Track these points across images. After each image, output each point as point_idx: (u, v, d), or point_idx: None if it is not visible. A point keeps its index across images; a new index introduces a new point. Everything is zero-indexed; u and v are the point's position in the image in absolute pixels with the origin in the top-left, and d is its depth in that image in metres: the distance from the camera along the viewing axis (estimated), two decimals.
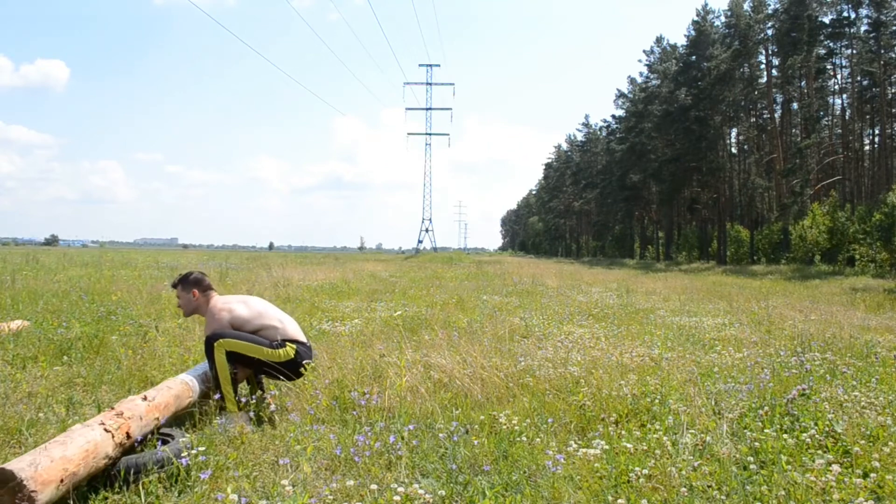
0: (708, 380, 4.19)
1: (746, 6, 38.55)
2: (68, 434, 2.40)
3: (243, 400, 3.53)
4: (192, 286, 3.74)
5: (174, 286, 3.81)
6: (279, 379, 3.65)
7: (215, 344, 3.47)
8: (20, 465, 2.09)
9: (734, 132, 44.64)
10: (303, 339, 3.77)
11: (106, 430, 2.51)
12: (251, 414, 3.43)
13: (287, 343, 3.65)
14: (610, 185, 57.03)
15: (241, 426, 3.15)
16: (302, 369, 3.66)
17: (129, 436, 2.65)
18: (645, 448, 2.80)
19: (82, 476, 2.33)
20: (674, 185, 43.91)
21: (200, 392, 3.49)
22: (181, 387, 3.32)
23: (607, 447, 2.78)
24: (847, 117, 38.85)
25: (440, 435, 3.00)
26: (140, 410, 2.81)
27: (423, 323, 6.92)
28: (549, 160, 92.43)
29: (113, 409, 2.73)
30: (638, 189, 51.50)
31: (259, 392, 3.61)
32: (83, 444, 2.35)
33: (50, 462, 2.17)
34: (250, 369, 3.64)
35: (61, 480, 2.20)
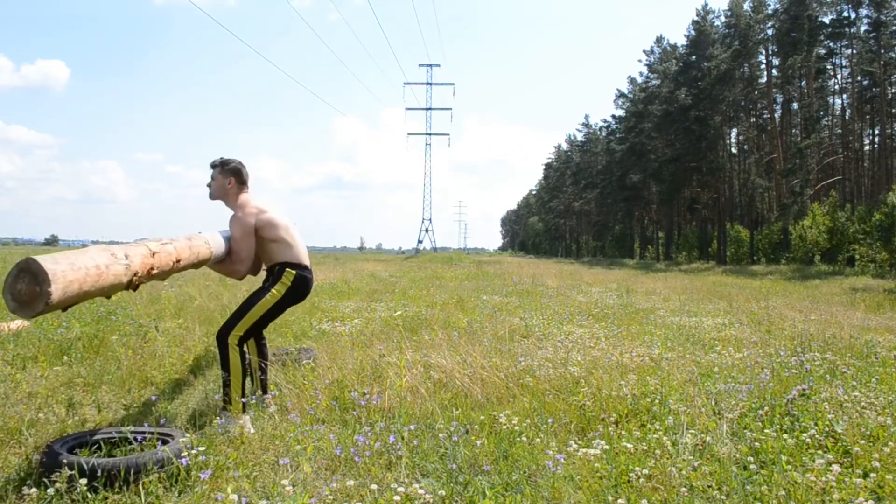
0: (708, 380, 4.19)
1: (746, 6, 38.55)
2: (87, 250, 2.48)
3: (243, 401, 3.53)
4: (231, 174, 3.62)
5: (213, 166, 3.66)
6: (284, 312, 3.62)
7: (229, 341, 3.41)
8: (47, 262, 2.23)
9: (734, 132, 44.66)
10: (307, 263, 3.67)
11: (116, 256, 2.59)
12: (251, 414, 3.42)
13: (286, 269, 3.54)
14: (610, 185, 57.03)
15: (241, 427, 3.15)
16: (303, 293, 3.60)
17: (139, 273, 2.70)
18: (645, 448, 2.81)
19: (92, 290, 2.41)
20: (674, 185, 43.91)
21: (221, 255, 3.45)
22: (200, 242, 3.28)
23: (607, 447, 2.78)
24: (847, 117, 38.85)
25: (440, 435, 3.00)
26: (148, 250, 2.83)
27: (423, 323, 6.93)
28: (549, 160, 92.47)
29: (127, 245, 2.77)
30: (638, 189, 51.49)
31: (260, 392, 3.60)
32: (99, 261, 2.46)
33: (70, 266, 2.30)
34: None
35: (75, 286, 2.31)
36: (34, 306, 2.24)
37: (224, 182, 3.62)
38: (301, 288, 3.59)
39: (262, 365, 3.72)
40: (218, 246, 3.43)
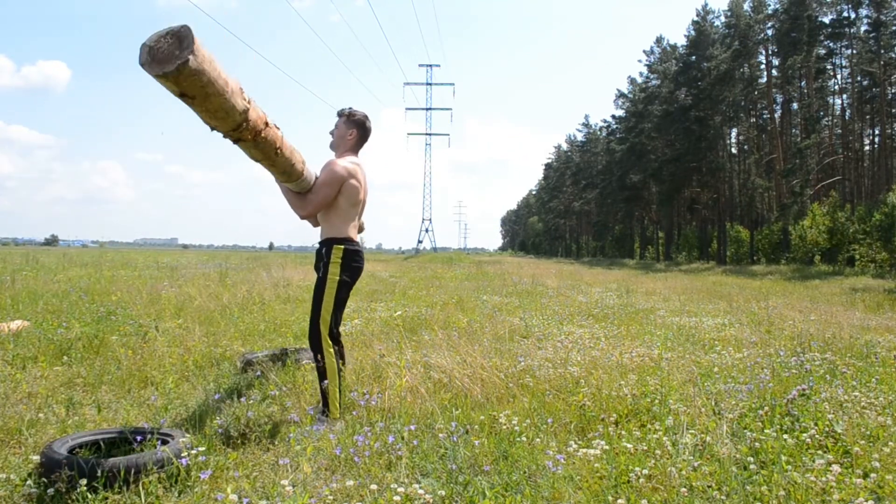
0: (708, 380, 4.19)
1: (746, 6, 38.56)
2: (227, 74, 2.52)
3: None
4: (355, 126, 3.61)
5: (340, 115, 3.64)
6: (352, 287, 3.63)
7: (323, 344, 3.39)
8: (199, 41, 2.27)
9: (734, 132, 44.68)
10: (355, 238, 3.65)
11: (242, 88, 2.63)
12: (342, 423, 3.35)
13: (335, 246, 3.51)
14: (610, 185, 57.04)
15: (326, 432, 3.12)
16: (356, 267, 3.58)
17: (251, 121, 2.72)
18: (645, 448, 2.80)
19: (212, 91, 2.42)
20: (674, 185, 43.92)
21: (307, 186, 3.47)
22: (299, 157, 3.29)
23: (607, 447, 2.78)
24: (847, 117, 38.86)
25: (440, 435, 2.99)
26: (266, 116, 2.87)
27: (423, 323, 6.92)
28: (549, 160, 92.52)
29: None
30: (638, 189, 51.50)
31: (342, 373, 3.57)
32: (227, 78, 2.50)
33: (209, 59, 2.34)
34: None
35: (212, 65, 2.36)
36: (165, 64, 2.24)
37: (346, 132, 3.61)
38: (353, 260, 3.55)
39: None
40: (310, 175, 3.45)
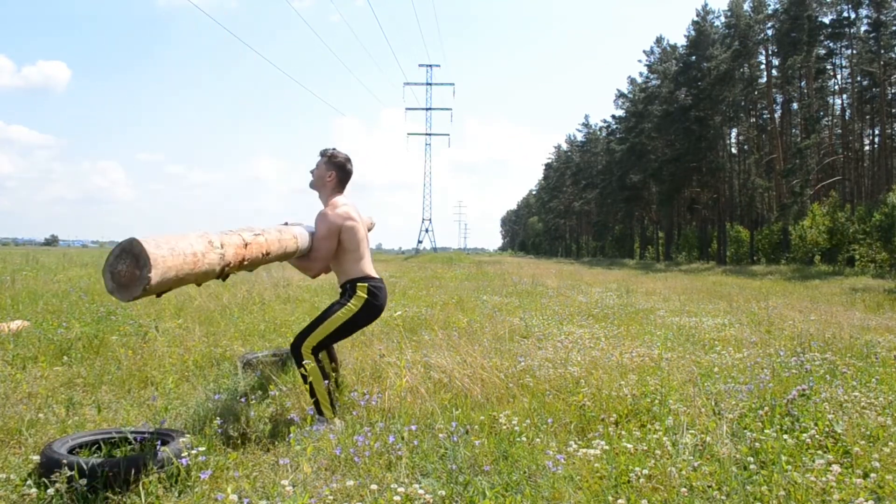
0: (708, 380, 4.19)
1: (746, 6, 38.56)
2: (185, 236, 2.51)
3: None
4: (334, 167, 3.61)
5: (322, 154, 3.65)
6: (361, 329, 3.62)
7: (303, 350, 3.39)
8: (150, 245, 2.26)
9: (734, 132, 44.68)
10: (375, 274, 3.64)
11: (213, 244, 2.62)
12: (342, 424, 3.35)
13: (357, 285, 3.52)
14: (610, 185, 57.04)
15: (326, 432, 3.12)
16: (377, 306, 3.56)
17: (231, 263, 2.73)
18: (645, 448, 2.80)
19: (186, 277, 2.43)
20: (674, 185, 43.92)
21: (306, 250, 3.47)
22: (288, 236, 3.29)
23: (607, 447, 2.78)
24: (847, 117, 38.86)
25: (440, 435, 2.99)
26: (242, 240, 2.87)
27: (423, 323, 6.93)
28: (549, 160, 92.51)
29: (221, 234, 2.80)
30: (638, 189, 51.50)
31: (334, 375, 3.57)
32: (196, 248, 2.49)
33: (170, 252, 2.33)
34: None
35: (174, 256, 2.35)
36: (132, 290, 2.26)
37: (325, 173, 3.61)
38: (376, 300, 3.55)
39: (333, 369, 3.69)
40: (304, 241, 3.45)
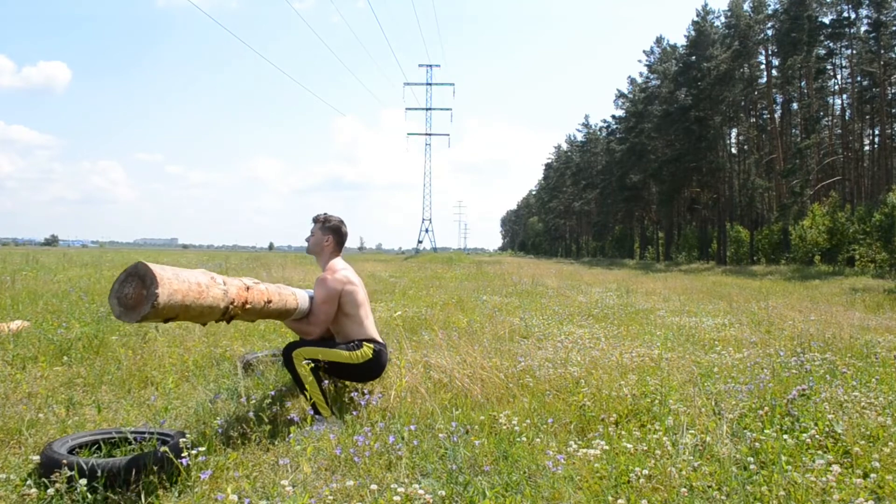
0: (708, 380, 4.19)
1: (746, 6, 38.56)
2: (189, 270, 2.60)
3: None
4: (330, 232, 3.69)
5: (315, 221, 3.73)
6: (353, 381, 3.63)
7: (294, 355, 3.41)
8: (158, 268, 2.34)
9: (734, 132, 44.67)
10: (379, 337, 3.69)
11: (215, 279, 2.71)
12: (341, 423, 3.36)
13: (364, 343, 3.57)
14: (610, 185, 57.06)
15: (326, 432, 3.12)
16: (378, 367, 3.60)
17: (234, 301, 2.81)
18: (645, 448, 2.80)
19: (192, 306, 2.50)
20: (674, 185, 43.92)
21: (305, 311, 3.51)
22: (288, 292, 3.36)
23: (607, 447, 2.78)
24: (847, 117, 38.85)
25: (440, 435, 2.99)
26: (243, 284, 2.96)
27: (423, 323, 6.92)
28: (549, 160, 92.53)
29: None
30: (638, 189, 51.51)
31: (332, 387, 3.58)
32: (200, 280, 2.58)
33: (174, 275, 2.41)
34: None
35: (178, 280, 2.43)
36: (140, 309, 2.32)
37: (322, 239, 3.69)
38: (376, 363, 3.59)
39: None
40: (303, 302, 3.50)
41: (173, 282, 2.38)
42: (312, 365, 3.42)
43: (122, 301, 2.34)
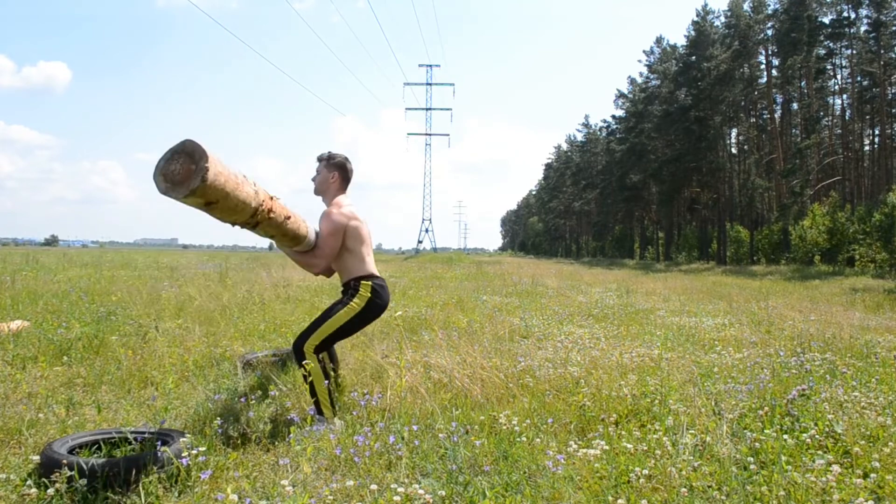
0: (708, 380, 4.19)
1: (746, 6, 38.57)
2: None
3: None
4: (336, 168, 3.64)
5: (319, 160, 3.69)
6: (366, 325, 3.62)
7: (305, 349, 3.40)
8: (203, 145, 2.39)
9: (734, 132, 44.67)
10: (378, 274, 3.66)
11: (247, 178, 2.76)
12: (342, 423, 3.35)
13: (361, 282, 3.53)
14: (610, 185, 57.07)
15: (326, 432, 3.12)
16: (380, 305, 3.57)
17: (263, 204, 2.84)
18: (645, 448, 2.80)
19: (230, 194, 2.54)
20: (674, 185, 43.93)
21: (312, 243, 3.52)
22: (301, 217, 3.37)
23: (607, 447, 2.78)
24: (847, 117, 38.86)
25: (440, 435, 2.99)
26: (268, 194, 2.98)
27: (423, 323, 6.92)
28: (549, 160, 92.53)
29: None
30: (638, 189, 51.51)
31: (334, 374, 3.57)
32: (237, 172, 2.63)
33: (218, 160, 2.45)
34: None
35: (222, 164, 2.47)
36: (188, 183, 2.34)
37: (328, 176, 3.64)
38: (379, 298, 3.57)
39: (332, 369, 3.68)
40: (312, 233, 3.49)
41: (219, 164, 2.42)
42: (321, 363, 3.41)
43: (169, 177, 2.35)
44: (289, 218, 3.14)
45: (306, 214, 3.53)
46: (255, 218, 2.84)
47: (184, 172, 2.34)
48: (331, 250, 3.50)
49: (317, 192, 3.70)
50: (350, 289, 3.56)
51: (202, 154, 2.33)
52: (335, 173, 3.64)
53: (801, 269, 27.44)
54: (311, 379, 3.37)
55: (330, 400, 3.40)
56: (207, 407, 3.61)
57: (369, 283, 3.55)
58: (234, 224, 2.83)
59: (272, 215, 2.95)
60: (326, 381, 3.40)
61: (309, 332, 3.46)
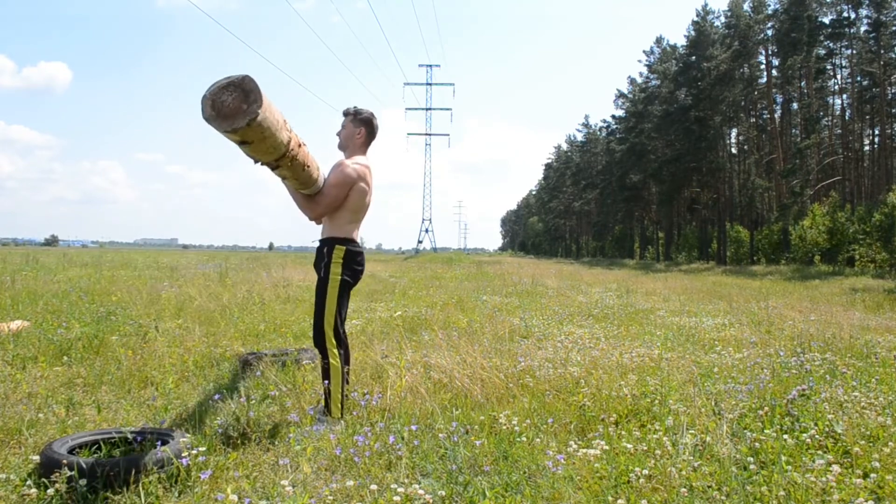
0: (708, 380, 4.19)
1: (746, 6, 38.56)
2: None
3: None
4: (362, 124, 3.61)
5: (346, 114, 3.65)
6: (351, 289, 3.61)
7: (328, 345, 3.38)
8: (263, 89, 2.38)
9: (734, 132, 44.66)
10: (357, 240, 3.63)
11: (287, 124, 2.77)
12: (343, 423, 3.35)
13: (336, 245, 3.49)
14: (610, 185, 57.05)
15: (326, 432, 3.12)
16: (357, 269, 3.56)
17: (291, 148, 2.83)
18: (645, 448, 2.80)
19: (269, 136, 2.54)
20: (674, 185, 43.92)
21: (317, 189, 3.49)
22: (315, 166, 3.34)
23: (607, 447, 2.78)
24: (847, 117, 38.86)
25: (440, 435, 2.99)
26: (298, 139, 3.00)
27: (423, 323, 6.92)
28: (549, 160, 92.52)
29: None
30: (638, 189, 51.50)
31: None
32: (278, 116, 2.62)
33: (268, 103, 2.44)
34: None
35: (270, 109, 2.46)
36: (233, 120, 2.31)
37: (354, 131, 3.61)
38: (354, 262, 3.53)
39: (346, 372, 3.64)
40: (321, 178, 3.48)
41: (268, 109, 2.39)
42: (337, 362, 3.41)
43: (216, 106, 2.32)
44: (307, 167, 3.11)
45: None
46: (278, 162, 2.82)
47: (233, 107, 2.31)
48: (333, 200, 3.47)
49: (341, 146, 3.66)
50: (324, 256, 3.51)
51: (257, 97, 2.30)
52: (362, 129, 3.61)
53: (801, 269, 27.43)
54: (328, 376, 3.37)
55: (342, 401, 3.40)
56: (207, 407, 3.61)
57: (343, 248, 3.50)
58: (255, 161, 2.80)
59: (294, 162, 2.93)
60: (345, 384, 3.40)
61: (320, 325, 3.44)
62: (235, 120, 2.31)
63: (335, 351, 3.41)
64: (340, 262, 3.49)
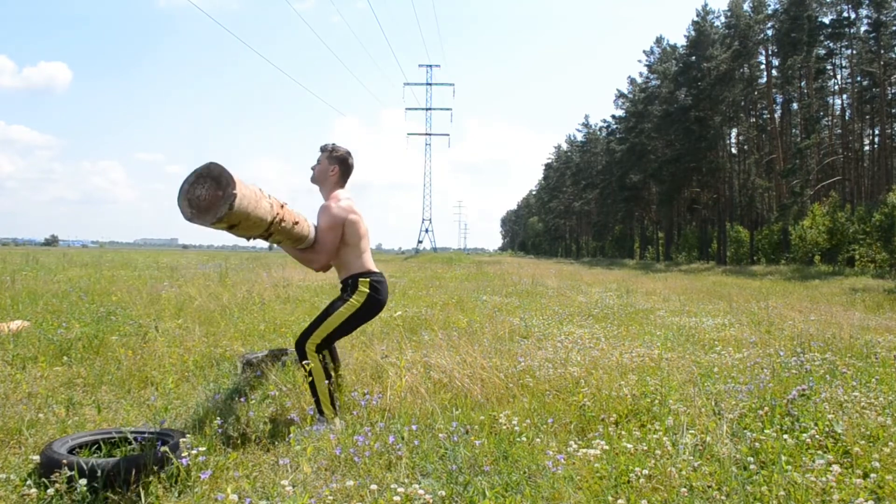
0: (708, 380, 4.19)
1: (746, 6, 38.56)
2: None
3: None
4: (336, 162, 3.63)
5: (322, 150, 3.67)
6: (365, 323, 3.63)
7: (307, 347, 3.40)
8: (231, 170, 2.36)
9: (734, 132, 44.65)
10: (376, 270, 3.65)
11: (263, 191, 2.77)
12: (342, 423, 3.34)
13: (360, 279, 3.52)
14: (610, 185, 57.07)
15: (326, 432, 3.12)
16: (380, 301, 3.57)
17: (277, 215, 2.85)
18: (645, 448, 2.80)
19: (251, 214, 2.53)
20: (674, 185, 43.91)
21: (312, 240, 3.52)
22: (303, 217, 3.37)
23: (607, 447, 2.78)
24: (847, 117, 38.86)
25: (440, 435, 2.99)
26: (278, 201, 3.01)
27: (423, 323, 6.92)
28: (549, 160, 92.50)
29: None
30: (638, 189, 51.51)
31: (335, 374, 3.56)
32: (254, 189, 2.60)
33: (239, 180, 2.41)
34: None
35: (246, 200, 2.44)
36: (215, 211, 2.29)
37: (328, 168, 3.62)
38: (378, 294, 3.56)
39: (333, 369, 3.66)
40: (312, 231, 3.49)
41: (243, 186, 2.37)
42: (323, 362, 3.41)
43: (194, 203, 2.30)
44: (297, 223, 3.13)
45: (305, 214, 3.53)
46: (270, 229, 2.83)
47: (210, 197, 2.28)
48: (331, 244, 3.49)
49: (314, 180, 3.67)
50: (349, 286, 3.55)
51: (229, 180, 2.27)
52: (335, 167, 3.63)
53: (801, 269, 27.43)
54: (311, 378, 3.37)
55: (331, 400, 3.40)
56: (207, 407, 3.61)
57: (368, 279, 3.54)
58: (248, 238, 2.81)
59: (283, 224, 2.95)
60: (328, 381, 3.40)
61: (310, 330, 3.45)
62: (217, 209, 2.28)
63: (314, 354, 3.41)
64: (366, 292, 3.51)
